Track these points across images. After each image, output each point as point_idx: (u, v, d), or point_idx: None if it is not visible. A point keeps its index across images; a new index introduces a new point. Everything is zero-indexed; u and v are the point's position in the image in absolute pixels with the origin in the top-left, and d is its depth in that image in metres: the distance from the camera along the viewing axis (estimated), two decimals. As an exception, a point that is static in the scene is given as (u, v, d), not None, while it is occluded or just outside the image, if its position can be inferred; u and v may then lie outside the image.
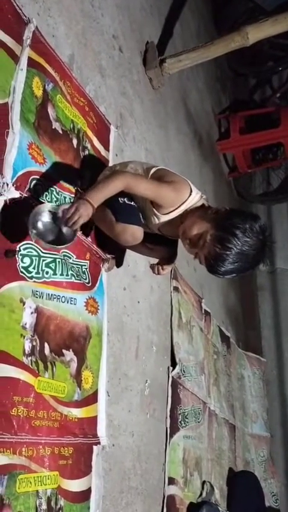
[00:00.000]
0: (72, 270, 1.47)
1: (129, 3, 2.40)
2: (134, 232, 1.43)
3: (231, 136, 4.26)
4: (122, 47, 2.22)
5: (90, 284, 1.58)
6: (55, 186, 1.44)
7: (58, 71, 1.54)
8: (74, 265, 1.50)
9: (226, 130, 4.39)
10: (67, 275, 1.44)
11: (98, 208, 1.30)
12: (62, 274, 1.41)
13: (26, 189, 1.28)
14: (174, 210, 1.46)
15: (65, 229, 1.25)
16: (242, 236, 1.31)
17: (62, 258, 1.44)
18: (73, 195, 1.53)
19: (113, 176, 1.36)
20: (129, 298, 1.91)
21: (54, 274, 1.38)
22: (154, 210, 1.48)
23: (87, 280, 1.56)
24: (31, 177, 1.31)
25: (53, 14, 1.58)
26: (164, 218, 1.49)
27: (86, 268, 1.57)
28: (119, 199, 1.45)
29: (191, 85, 3.65)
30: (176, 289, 2.50)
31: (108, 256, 1.70)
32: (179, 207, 1.45)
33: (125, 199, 1.47)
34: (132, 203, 1.50)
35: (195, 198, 1.46)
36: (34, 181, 1.33)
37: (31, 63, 1.38)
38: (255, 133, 4.21)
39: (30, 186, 1.30)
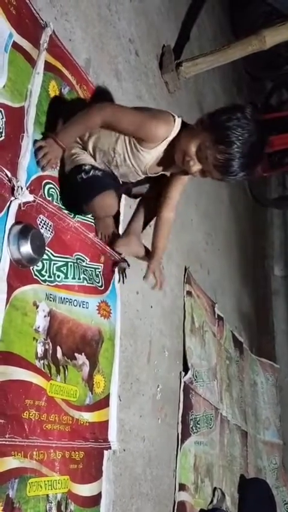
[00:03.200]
0: (85, 274, 1.47)
1: (146, 7, 2.41)
2: (101, 203, 1.37)
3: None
4: (138, 50, 2.22)
5: (103, 288, 1.58)
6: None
7: (74, 74, 1.54)
8: (88, 269, 1.50)
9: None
10: (79, 279, 1.44)
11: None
12: (73, 278, 1.41)
13: (40, 193, 1.28)
14: (162, 141, 1.37)
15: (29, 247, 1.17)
16: (238, 125, 1.24)
17: (75, 261, 1.44)
18: None
19: (90, 110, 1.29)
20: (142, 302, 1.90)
21: (66, 277, 1.38)
22: (141, 147, 1.38)
23: (99, 284, 1.56)
24: (44, 181, 1.32)
25: (70, 18, 1.58)
26: (153, 153, 1.40)
27: (100, 272, 1.57)
28: (77, 176, 1.38)
29: (207, 89, 3.63)
30: (189, 293, 2.48)
31: (122, 257, 1.70)
32: (167, 137, 1.36)
33: (82, 174, 1.39)
34: (91, 173, 1.40)
35: (178, 123, 1.38)
36: (48, 186, 1.33)
37: (48, 67, 1.39)
38: (271, 137, 4.18)
39: (43, 190, 1.31)
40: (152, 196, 1.61)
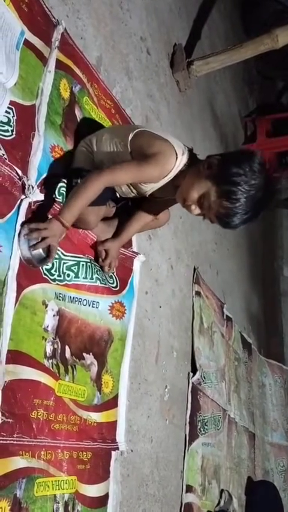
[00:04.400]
0: (98, 274, 1.46)
1: (158, 6, 2.39)
2: (82, 215, 1.30)
3: (258, 139, 4.22)
4: (149, 49, 2.21)
5: (117, 288, 1.57)
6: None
7: (85, 73, 1.54)
8: (101, 269, 1.49)
9: (252, 133, 4.35)
10: (91, 278, 1.43)
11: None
12: (85, 278, 1.41)
13: (52, 192, 1.28)
14: (164, 177, 1.34)
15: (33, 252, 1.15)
16: (246, 182, 1.21)
17: (89, 261, 1.43)
18: None
19: (87, 181, 1.23)
20: (151, 302, 1.89)
21: (76, 277, 1.37)
22: (141, 184, 1.38)
23: (114, 284, 1.55)
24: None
25: (82, 16, 1.58)
26: (153, 185, 1.38)
27: (113, 272, 1.56)
28: (73, 180, 1.34)
29: (218, 88, 3.62)
30: (198, 293, 2.47)
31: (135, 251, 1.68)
32: (166, 175, 1.33)
33: (78, 179, 1.32)
34: None
35: (183, 160, 1.33)
36: (59, 184, 1.32)
37: (59, 65, 1.38)
38: (281, 137, 4.16)
39: (55, 189, 1.30)
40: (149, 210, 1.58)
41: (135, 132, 1.36)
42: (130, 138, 1.34)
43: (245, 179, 1.21)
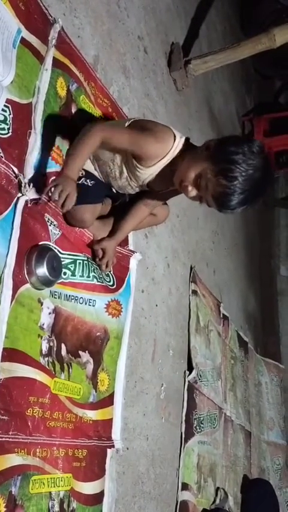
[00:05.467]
0: (95, 272, 1.47)
1: (156, 4, 2.39)
2: (75, 215, 1.33)
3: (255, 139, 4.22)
4: (147, 48, 2.21)
5: (114, 286, 1.57)
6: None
7: (82, 71, 1.54)
8: (98, 267, 1.49)
9: (250, 132, 4.35)
10: (88, 277, 1.44)
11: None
12: (82, 276, 1.41)
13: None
14: (159, 160, 1.33)
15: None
16: (244, 161, 1.18)
17: (86, 259, 1.43)
18: None
19: (86, 133, 1.25)
20: (147, 301, 1.89)
21: (73, 275, 1.37)
22: (137, 164, 1.34)
23: (111, 283, 1.56)
24: (51, 178, 1.31)
25: (79, 15, 1.58)
26: (150, 171, 1.35)
27: (110, 270, 1.56)
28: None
29: (215, 87, 3.62)
30: (194, 292, 2.48)
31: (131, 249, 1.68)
32: (164, 157, 1.32)
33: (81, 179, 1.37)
34: (81, 181, 1.37)
35: (180, 143, 1.33)
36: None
37: (56, 63, 1.38)
38: (279, 136, 4.16)
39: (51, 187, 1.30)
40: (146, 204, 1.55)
41: (131, 121, 1.38)
42: (126, 125, 1.36)
43: (243, 158, 1.19)
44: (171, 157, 1.32)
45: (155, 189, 1.45)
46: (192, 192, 1.30)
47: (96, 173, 1.45)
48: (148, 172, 1.36)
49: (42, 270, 1.17)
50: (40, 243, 1.23)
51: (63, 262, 1.33)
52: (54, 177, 1.25)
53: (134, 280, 1.68)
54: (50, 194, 1.17)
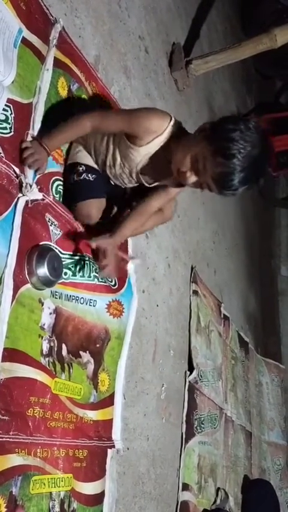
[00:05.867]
0: (96, 272, 1.46)
1: (157, 4, 2.39)
2: (81, 210, 1.33)
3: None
4: (148, 48, 2.21)
5: (116, 286, 1.57)
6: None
7: (83, 71, 1.54)
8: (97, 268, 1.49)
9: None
10: (89, 277, 1.44)
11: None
12: (82, 276, 1.41)
13: (49, 191, 1.28)
14: (153, 139, 1.27)
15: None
16: (241, 137, 1.14)
17: (87, 259, 1.43)
18: None
19: (74, 118, 1.26)
20: (148, 301, 1.89)
21: (74, 275, 1.37)
22: (130, 144, 1.29)
23: (113, 283, 1.55)
24: (53, 178, 1.31)
25: (80, 15, 1.58)
26: (143, 151, 1.30)
27: (110, 278, 1.55)
28: (69, 176, 1.35)
29: (216, 87, 3.62)
30: (195, 292, 2.47)
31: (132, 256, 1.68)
32: (159, 135, 1.26)
33: (74, 175, 1.35)
34: (82, 176, 1.36)
35: (175, 124, 1.28)
36: (56, 183, 1.32)
37: (57, 63, 1.38)
38: (280, 136, 4.16)
39: (52, 187, 1.30)
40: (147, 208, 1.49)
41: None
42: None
43: (240, 135, 1.15)
44: (164, 138, 1.28)
45: (149, 181, 1.39)
46: (191, 177, 1.25)
47: (96, 166, 1.43)
48: (141, 153, 1.31)
49: (43, 271, 1.17)
50: (41, 243, 1.22)
51: (64, 263, 1.32)
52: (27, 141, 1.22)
53: (134, 282, 1.68)
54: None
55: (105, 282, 1.50)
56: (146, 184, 1.41)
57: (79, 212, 1.35)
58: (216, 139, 1.18)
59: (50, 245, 1.27)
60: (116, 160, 1.37)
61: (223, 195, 1.26)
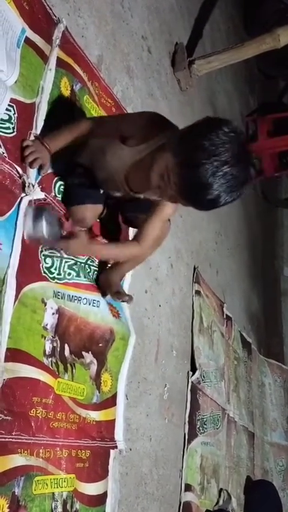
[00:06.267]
0: (89, 275, 1.46)
1: (159, 4, 2.39)
2: (76, 214, 1.31)
3: (259, 139, 4.21)
4: (150, 48, 2.21)
5: None
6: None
7: (86, 71, 1.53)
8: (97, 270, 1.49)
9: (254, 133, 4.33)
10: (92, 277, 1.44)
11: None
12: (85, 277, 1.41)
13: (51, 191, 1.28)
14: (145, 141, 1.17)
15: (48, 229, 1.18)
16: (210, 142, 0.99)
17: (85, 262, 1.43)
18: None
19: (74, 121, 1.29)
20: (151, 301, 1.89)
21: (78, 276, 1.37)
22: (122, 145, 1.20)
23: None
24: (55, 178, 1.31)
25: (83, 15, 1.57)
26: (133, 152, 1.19)
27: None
28: (68, 178, 1.33)
29: (219, 87, 3.61)
30: (197, 293, 2.47)
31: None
32: (150, 137, 1.16)
33: (73, 177, 1.33)
34: (80, 180, 1.34)
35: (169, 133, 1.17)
36: (59, 183, 1.32)
37: (60, 63, 1.38)
38: (283, 136, 4.15)
39: (55, 187, 1.30)
40: None
41: None
42: None
43: (209, 140, 1.00)
44: (156, 144, 1.17)
45: (133, 189, 1.29)
46: (163, 193, 1.15)
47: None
48: (130, 153, 1.20)
49: (41, 227, 1.16)
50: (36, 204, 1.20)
51: (68, 263, 1.32)
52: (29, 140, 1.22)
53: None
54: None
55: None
56: (131, 194, 1.31)
57: (73, 215, 1.34)
58: (182, 146, 1.06)
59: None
60: (103, 156, 1.26)
61: (199, 208, 1.13)
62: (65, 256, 1.32)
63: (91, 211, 1.35)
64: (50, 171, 1.28)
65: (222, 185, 1.00)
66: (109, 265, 1.51)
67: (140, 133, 1.19)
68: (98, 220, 1.51)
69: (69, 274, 1.33)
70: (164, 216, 1.33)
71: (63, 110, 1.38)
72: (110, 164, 1.26)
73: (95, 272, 1.48)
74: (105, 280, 1.48)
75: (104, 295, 1.48)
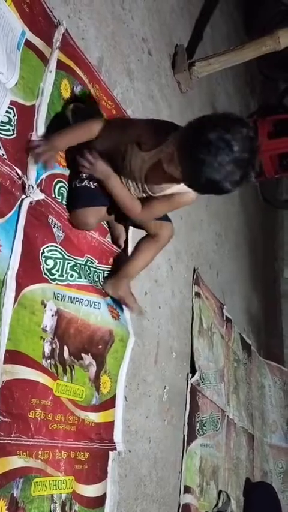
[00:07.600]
0: (90, 276, 1.46)
1: (160, 6, 2.39)
2: (78, 218, 1.33)
3: (259, 140, 4.21)
4: (151, 50, 2.21)
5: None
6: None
7: (87, 73, 1.54)
8: (97, 271, 1.49)
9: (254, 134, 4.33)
10: (96, 279, 1.45)
11: None
12: (86, 278, 1.41)
13: (51, 192, 1.28)
14: (158, 145, 1.21)
15: None
16: (208, 119, 1.03)
17: (84, 263, 1.43)
18: None
19: (88, 120, 1.30)
20: (150, 303, 1.89)
21: (80, 277, 1.37)
22: (138, 149, 1.25)
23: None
24: (55, 180, 1.31)
25: (83, 17, 1.58)
26: (150, 155, 1.24)
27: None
28: (72, 182, 1.34)
29: (219, 88, 3.61)
30: (197, 294, 2.47)
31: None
32: (162, 141, 1.19)
33: (77, 181, 1.34)
34: (84, 183, 1.35)
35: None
36: (59, 185, 1.32)
37: (60, 65, 1.38)
38: (283, 138, 4.15)
39: (54, 189, 1.30)
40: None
41: None
42: None
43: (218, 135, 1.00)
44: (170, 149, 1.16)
45: (154, 190, 1.32)
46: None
47: None
48: (148, 156, 1.25)
49: None
50: None
51: (70, 265, 1.33)
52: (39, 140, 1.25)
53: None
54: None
55: (99, 286, 1.49)
56: (151, 193, 1.34)
57: (76, 219, 1.34)
58: (182, 139, 1.08)
59: (55, 245, 1.27)
60: (125, 158, 1.31)
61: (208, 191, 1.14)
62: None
63: (93, 215, 1.36)
64: (50, 173, 1.28)
65: (221, 163, 1.00)
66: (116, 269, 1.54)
67: (153, 141, 1.22)
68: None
69: (71, 275, 1.33)
70: (175, 204, 1.36)
71: (64, 112, 1.39)
72: (130, 165, 1.30)
73: (95, 273, 1.48)
74: (114, 284, 1.50)
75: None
